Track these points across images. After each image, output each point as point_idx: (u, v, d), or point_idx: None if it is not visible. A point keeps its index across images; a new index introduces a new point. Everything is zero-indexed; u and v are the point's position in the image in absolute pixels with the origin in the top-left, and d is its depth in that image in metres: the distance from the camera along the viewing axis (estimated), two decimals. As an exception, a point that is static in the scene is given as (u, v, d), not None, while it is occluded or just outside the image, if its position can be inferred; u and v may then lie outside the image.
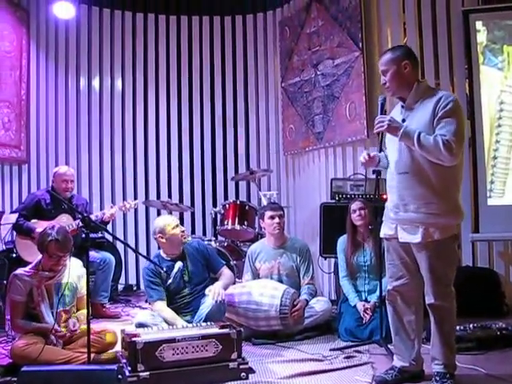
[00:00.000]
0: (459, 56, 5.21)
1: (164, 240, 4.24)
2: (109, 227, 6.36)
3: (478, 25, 5.10)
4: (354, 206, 4.50)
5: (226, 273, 4.33)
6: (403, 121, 3.16)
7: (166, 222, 4.28)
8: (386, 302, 3.39)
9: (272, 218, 4.71)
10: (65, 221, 5.06)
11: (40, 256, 3.82)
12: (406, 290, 3.29)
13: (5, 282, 4.36)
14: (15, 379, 3.11)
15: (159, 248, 4.43)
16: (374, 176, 3.43)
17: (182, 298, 4.18)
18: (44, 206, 5.19)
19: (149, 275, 4.15)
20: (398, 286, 3.30)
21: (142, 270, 6.81)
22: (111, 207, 5.37)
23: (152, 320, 3.90)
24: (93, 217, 5.14)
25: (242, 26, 7.24)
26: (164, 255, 4.26)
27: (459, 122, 3.05)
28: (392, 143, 3.21)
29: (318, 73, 6.09)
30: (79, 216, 4.74)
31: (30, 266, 3.83)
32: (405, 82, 3.16)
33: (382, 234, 3.36)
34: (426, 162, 3.07)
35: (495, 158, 5.14)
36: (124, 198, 6.61)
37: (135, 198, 6.72)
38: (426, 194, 3.09)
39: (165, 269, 4.05)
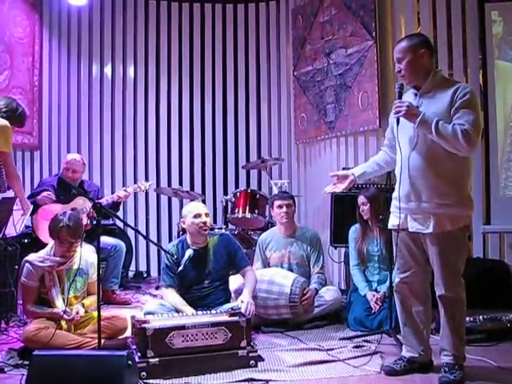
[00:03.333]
0: (473, 46, 5.16)
1: (185, 226, 4.20)
2: (119, 214, 6.40)
3: (494, 15, 5.04)
4: (359, 200, 4.49)
5: (250, 275, 4.19)
6: (416, 108, 3.13)
7: (190, 209, 4.19)
8: (394, 293, 3.39)
9: (280, 207, 4.71)
10: (81, 203, 5.09)
11: (52, 242, 3.85)
12: (414, 282, 3.28)
13: (16, 267, 4.39)
14: (27, 363, 3.15)
15: (181, 234, 4.34)
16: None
17: (198, 290, 4.11)
18: (52, 191, 5.22)
19: (167, 259, 4.10)
20: (406, 277, 3.29)
21: (152, 256, 6.95)
22: (124, 190, 5.39)
23: (160, 310, 3.88)
24: (104, 200, 5.21)
25: (255, 14, 7.20)
26: (189, 241, 4.18)
27: (477, 113, 3.04)
28: (405, 131, 3.16)
29: (331, 62, 6.06)
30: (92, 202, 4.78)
31: (42, 252, 3.86)
32: (421, 71, 3.13)
33: (389, 226, 3.33)
34: (443, 151, 3.04)
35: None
36: (135, 186, 6.62)
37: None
38: (441, 184, 3.07)
39: (175, 256, 4.03)
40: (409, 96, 3.26)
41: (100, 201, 5.19)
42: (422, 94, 3.17)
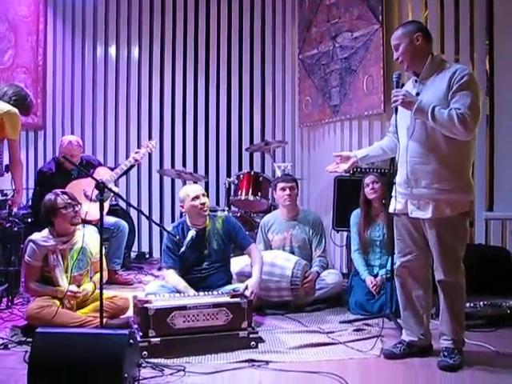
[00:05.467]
0: (480, 32, 5.11)
1: (184, 210, 4.19)
2: (123, 194, 6.41)
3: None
4: (368, 179, 4.48)
5: (255, 255, 4.16)
6: (417, 94, 3.13)
7: (187, 192, 4.17)
8: (395, 277, 3.41)
9: (283, 189, 4.72)
10: (102, 174, 5.12)
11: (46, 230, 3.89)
12: (415, 266, 3.29)
13: (21, 246, 4.42)
14: (30, 340, 3.18)
15: (184, 215, 4.37)
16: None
17: (198, 271, 4.12)
18: (49, 175, 5.23)
19: (169, 240, 4.11)
20: (406, 261, 3.30)
21: (155, 237, 6.97)
22: (136, 152, 5.47)
23: (161, 291, 3.88)
24: (123, 165, 5.35)
25: (261, -5, 7.15)
26: (189, 223, 4.18)
27: (475, 96, 3.02)
28: (405, 118, 3.17)
29: (336, 45, 6.02)
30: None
31: (45, 232, 3.88)
32: (418, 55, 3.13)
33: (390, 210, 3.34)
34: (442, 137, 3.05)
35: None
36: (138, 166, 6.58)
37: (149, 167, 6.89)
38: (440, 170, 3.08)
39: (178, 237, 4.03)
40: (409, 83, 3.28)
41: (119, 167, 5.40)
42: (422, 80, 3.17)
